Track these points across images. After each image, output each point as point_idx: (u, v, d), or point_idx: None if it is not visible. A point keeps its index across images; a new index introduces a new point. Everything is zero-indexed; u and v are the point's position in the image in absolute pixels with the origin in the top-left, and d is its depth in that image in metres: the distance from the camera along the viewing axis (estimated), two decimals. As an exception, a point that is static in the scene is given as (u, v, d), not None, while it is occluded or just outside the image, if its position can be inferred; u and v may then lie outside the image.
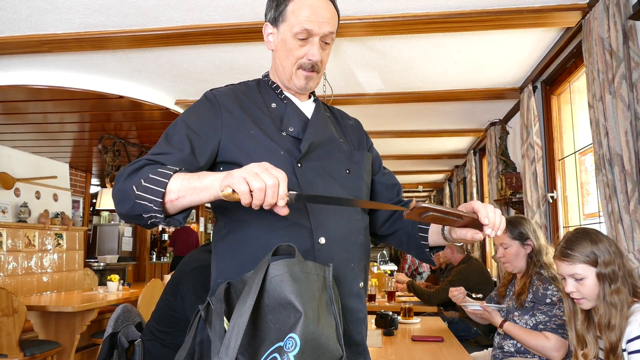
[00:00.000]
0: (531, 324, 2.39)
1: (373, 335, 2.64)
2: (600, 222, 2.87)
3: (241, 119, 1.22)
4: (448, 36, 3.01)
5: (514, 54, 3.28)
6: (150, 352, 1.93)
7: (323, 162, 1.25)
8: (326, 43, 1.27)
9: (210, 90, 1.30)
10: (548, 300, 2.33)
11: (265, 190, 0.94)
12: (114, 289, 4.85)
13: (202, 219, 10.45)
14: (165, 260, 9.08)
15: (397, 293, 4.66)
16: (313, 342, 0.95)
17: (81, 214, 7.15)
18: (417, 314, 3.62)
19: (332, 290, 1.06)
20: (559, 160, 3.51)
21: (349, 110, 1.56)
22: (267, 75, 1.38)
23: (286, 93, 1.33)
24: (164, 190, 1.02)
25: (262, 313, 0.99)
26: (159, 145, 1.17)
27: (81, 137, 5.34)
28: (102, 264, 7.34)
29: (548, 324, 2.32)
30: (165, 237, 9.93)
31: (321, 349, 0.97)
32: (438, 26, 2.77)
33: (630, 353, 1.52)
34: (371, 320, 2.97)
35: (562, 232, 3.43)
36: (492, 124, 4.78)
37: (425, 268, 6.26)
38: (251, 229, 1.18)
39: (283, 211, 0.98)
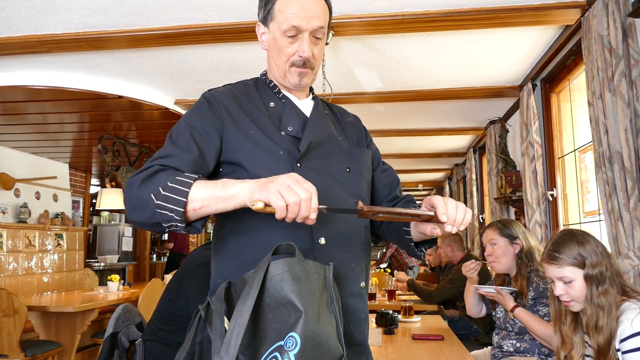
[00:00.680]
0: (532, 320, 2.39)
1: (373, 334, 2.64)
2: (600, 220, 2.87)
3: (240, 118, 1.22)
4: (447, 34, 3.00)
5: (514, 52, 3.28)
6: (151, 351, 1.93)
7: (323, 161, 1.24)
8: (317, 38, 1.26)
9: (209, 90, 1.30)
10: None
11: (300, 204, 0.94)
12: (115, 289, 4.85)
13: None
14: (166, 260, 9.09)
15: (397, 292, 4.66)
16: (313, 341, 0.95)
17: (81, 214, 7.15)
18: (418, 312, 3.62)
19: (333, 289, 1.06)
20: (559, 158, 3.50)
21: (349, 109, 1.55)
22: (265, 74, 1.37)
23: (284, 92, 1.33)
24: (185, 200, 1.02)
25: (262, 312, 0.99)
26: (165, 148, 1.16)
27: (81, 137, 5.33)
28: (102, 264, 7.34)
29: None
30: (165, 237, 9.95)
31: (322, 347, 0.97)
32: (437, 24, 2.76)
33: (624, 353, 1.51)
34: (372, 319, 2.97)
35: (562, 230, 3.42)
36: (492, 122, 4.78)
37: (415, 262, 6.26)
38: (251, 229, 1.18)
39: (312, 222, 0.99)
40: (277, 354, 0.94)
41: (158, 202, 1.03)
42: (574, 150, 3.32)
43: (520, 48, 3.23)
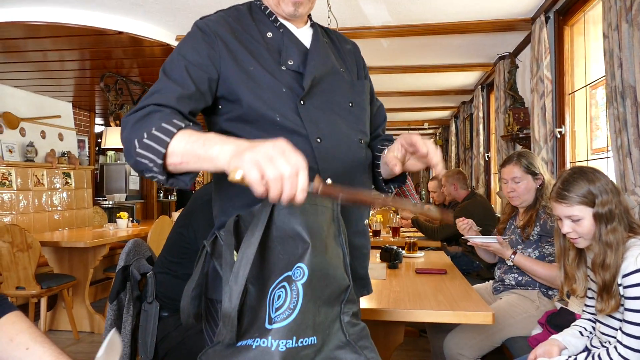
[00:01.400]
0: (534, 257, 2.43)
1: (377, 268, 2.69)
2: (608, 157, 2.85)
3: (238, 52, 1.16)
4: (459, -37, 2.87)
5: (528, -18, 3.14)
6: (162, 283, 1.99)
7: (326, 97, 1.21)
8: None
9: (201, 19, 1.21)
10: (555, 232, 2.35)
11: (283, 180, 0.81)
12: (124, 225, 4.95)
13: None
14: (173, 198, 9.21)
15: (401, 229, 4.73)
16: (321, 272, 0.97)
17: (87, 154, 7.18)
18: (421, 248, 3.68)
19: (340, 223, 1.07)
20: (569, 94, 3.44)
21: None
22: None
23: (281, 20, 1.26)
24: (164, 151, 0.95)
25: (271, 245, 1.01)
26: (159, 82, 1.10)
27: (82, 75, 5.26)
28: (110, 202, 7.45)
29: None
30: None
31: (329, 278, 0.99)
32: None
33: (625, 287, 1.54)
34: (376, 254, 3.02)
35: (568, 168, 3.41)
36: (501, 57, 4.66)
37: (417, 200, 6.20)
38: None
39: (300, 202, 0.85)
40: (285, 283, 0.96)
41: (139, 150, 0.97)
42: (585, 86, 3.25)
43: (534, -22, 3.08)
